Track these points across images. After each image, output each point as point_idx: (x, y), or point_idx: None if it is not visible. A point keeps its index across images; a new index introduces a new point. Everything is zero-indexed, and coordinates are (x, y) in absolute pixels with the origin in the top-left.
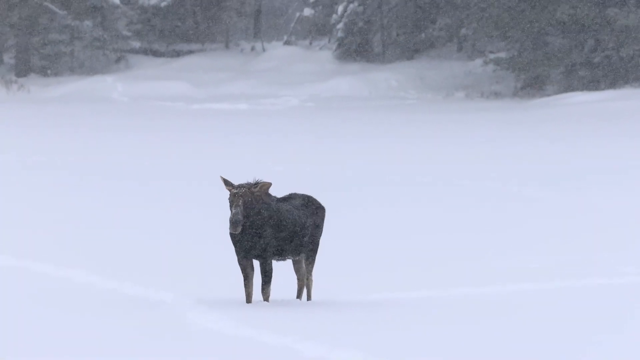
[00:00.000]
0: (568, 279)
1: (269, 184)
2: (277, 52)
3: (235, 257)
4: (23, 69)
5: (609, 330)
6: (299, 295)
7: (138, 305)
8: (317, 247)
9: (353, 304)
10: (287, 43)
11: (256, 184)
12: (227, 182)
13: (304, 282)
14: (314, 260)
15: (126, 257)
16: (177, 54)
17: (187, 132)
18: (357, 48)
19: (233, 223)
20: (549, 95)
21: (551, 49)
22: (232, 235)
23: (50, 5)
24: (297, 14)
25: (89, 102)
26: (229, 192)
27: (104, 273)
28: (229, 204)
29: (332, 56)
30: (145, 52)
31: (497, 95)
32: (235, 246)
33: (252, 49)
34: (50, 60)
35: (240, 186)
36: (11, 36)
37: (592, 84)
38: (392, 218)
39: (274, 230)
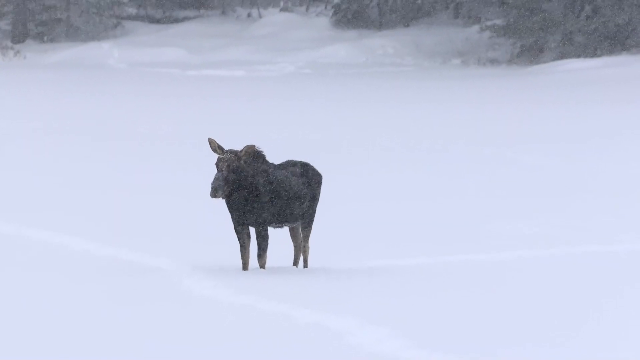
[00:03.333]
0: (564, 245)
1: (252, 146)
2: (274, 18)
3: (231, 224)
4: (19, 35)
5: (606, 297)
6: (295, 263)
7: (135, 272)
8: (314, 214)
9: (350, 271)
10: (283, 9)
11: (241, 149)
12: (213, 145)
13: (300, 249)
14: (310, 227)
15: (123, 223)
16: (174, 20)
17: (183, 99)
18: (354, 15)
19: (213, 188)
20: (545, 62)
21: (548, 15)
22: (228, 202)
23: None
24: None
25: (85, 68)
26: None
27: (100, 239)
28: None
29: (329, 23)
30: (141, 18)
31: (493, 62)
32: (231, 213)
33: (249, 15)
34: (47, 27)
35: (227, 151)
36: (7, 2)
37: (589, 51)
38: (389, 184)
39: (270, 198)
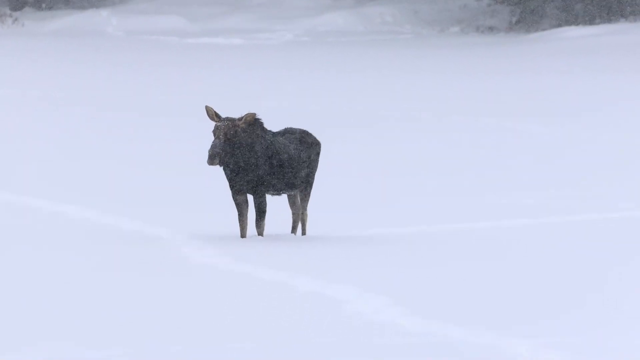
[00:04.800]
0: (564, 214)
1: (253, 114)
2: None
3: (229, 192)
4: (17, 3)
5: (607, 264)
6: (293, 230)
7: (134, 240)
8: (313, 182)
9: (348, 239)
10: None
11: (241, 117)
12: (210, 112)
13: (299, 216)
14: (309, 195)
15: (122, 192)
16: None
17: (181, 67)
18: None
19: (210, 155)
20: (544, 29)
21: None
22: (226, 170)
23: None
24: None
25: (83, 36)
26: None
27: (99, 208)
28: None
29: None
30: None
31: (492, 29)
32: (229, 181)
33: None
34: None
35: (224, 119)
36: None
37: (588, 18)
38: (387, 153)
39: (268, 165)
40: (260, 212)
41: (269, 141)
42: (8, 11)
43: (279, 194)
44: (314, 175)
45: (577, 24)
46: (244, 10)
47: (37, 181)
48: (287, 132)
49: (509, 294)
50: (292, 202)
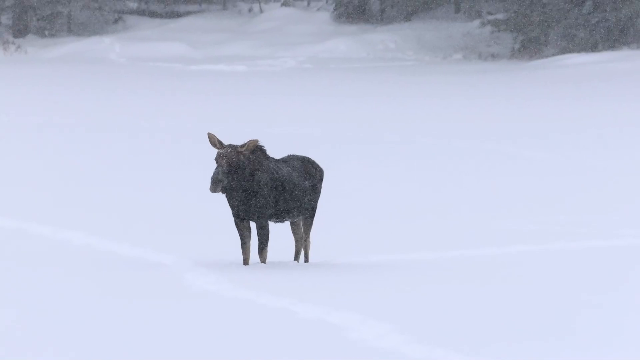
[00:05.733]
0: (566, 241)
1: (255, 141)
2: (275, 13)
3: (232, 219)
4: (21, 30)
5: (606, 292)
6: (296, 257)
7: (136, 267)
8: (315, 209)
9: (351, 266)
10: (284, 4)
11: (243, 144)
12: (213, 140)
13: (301, 244)
14: (312, 222)
15: (125, 218)
16: (175, 14)
17: (184, 94)
18: (355, 9)
19: (213, 182)
20: (546, 56)
21: (549, 9)
22: (229, 197)
23: None
24: None
25: (86, 63)
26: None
27: (102, 234)
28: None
29: (330, 17)
30: (142, 13)
31: (494, 56)
32: (232, 208)
33: (250, 10)
34: (48, 21)
35: (227, 146)
36: None
37: (590, 45)
38: (390, 179)
39: (271, 192)
40: (263, 239)
41: (271, 168)
42: (11, 38)
43: (282, 221)
44: (316, 202)
45: (579, 51)
46: (246, 37)
47: (40, 207)
48: (290, 159)
49: (513, 321)
50: (294, 229)
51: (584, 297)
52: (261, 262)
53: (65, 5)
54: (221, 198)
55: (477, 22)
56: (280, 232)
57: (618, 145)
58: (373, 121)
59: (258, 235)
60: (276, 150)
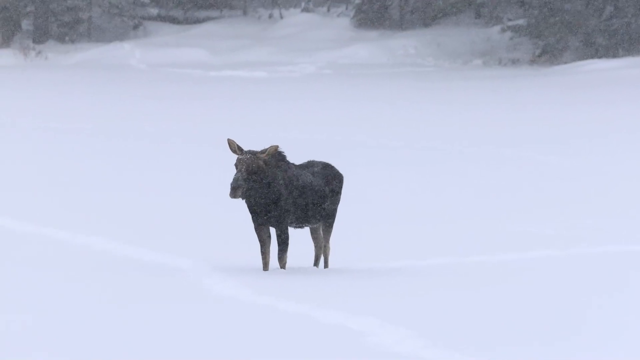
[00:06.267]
0: (583, 246)
1: (275, 147)
2: (295, 19)
3: (252, 225)
4: (41, 36)
5: (619, 297)
6: (316, 263)
7: (155, 272)
8: (335, 215)
9: (370, 272)
10: (304, 10)
11: (263, 150)
12: (233, 146)
13: (321, 249)
14: (331, 227)
15: (144, 222)
16: (195, 20)
17: (204, 100)
18: (375, 15)
19: (232, 188)
20: (566, 62)
21: (569, 15)
22: (248, 203)
23: None
24: None
25: (106, 69)
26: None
27: (122, 239)
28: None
29: (350, 23)
30: (162, 19)
31: (514, 62)
32: (251, 214)
33: (270, 16)
34: (68, 27)
35: (247, 152)
36: (29, 2)
37: (611, 51)
38: (410, 185)
39: (291, 198)
40: (283, 245)
41: (291, 174)
42: (32, 44)
43: (301, 227)
44: (336, 208)
45: (600, 57)
46: (266, 43)
47: (59, 212)
48: (310, 164)
49: (529, 326)
50: (314, 235)
51: (598, 301)
52: (281, 267)
53: (85, 11)
54: (241, 204)
55: (497, 28)
56: (300, 238)
57: (637, 150)
58: (393, 127)
59: (278, 241)
60: (296, 156)
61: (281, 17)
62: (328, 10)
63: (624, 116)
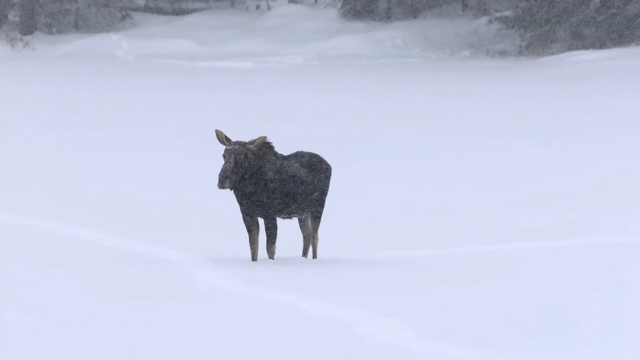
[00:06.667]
0: (574, 237)
1: (263, 138)
2: (283, 10)
3: (240, 215)
4: (28, 27)
5: (615, 290)
6: (304, 254)
7: (144, 263)
8: (323, 206)
9: (359, 263)
10: (292, 1)
11: (252, 141)
12: (220, 136)
13: (309, 240)
14: (320, 218)
15: (133, 214)
16: (182, 11)
17: (192, 91)
18: (362, 6)
19: (220, 179)
20: (554, 53)
21: (557, 7)
22: (236, 193)
23: None
24: None
25: (94, 60)
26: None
27: (111, 230)
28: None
29: (337, 14)
30: (150, 10)
31: (502, 54)
32: (240, 204)
33: (257, 7)
34: (56, 18)
35: (234, 143)
36: None
37: (598, 43)
38: (398, 176)
39: (279, 189)
40: (271, 236)
41: (279, 165)
42: (19, 35)
43: (289, 218)
44: (324, 198)
45: (587, 48)
46: (254, 34)
47: (48, 204)
48: (298, 155)
49: (521, 318)
50: (303, 226)
51: (594, 294)
52: (269, 258)
53: (72, 2)
54: (229, 194)
55: (484, 19)
56: (289, 228)
57: (627, 142)
58: (381, 118)
59: (266, 232)
60: (284, 147)
61: (269, 8)
62: (315, 1)
63: (612, 108)
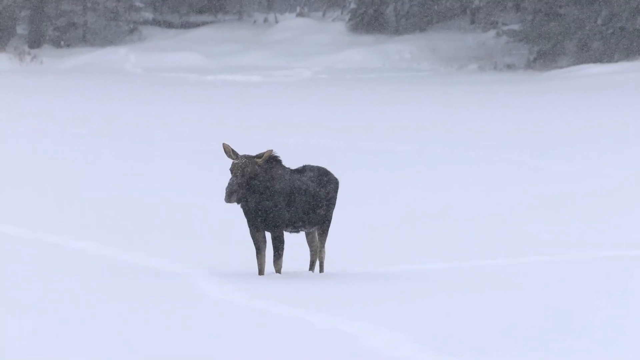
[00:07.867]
0: (582, 250)
1: (271, 151)
2: (290, 23)
3: (247, 229)
4: (36, 40)
5: (614, 301)
6: (311, 268)
7: (150, 276)
8: (331, 220)
9: (365, 276)
10: (300, 14)
11: (259, 154)
12: (228, 150)
13: (316, 254)
14: (327, 232)
15: (140, 226)
16: (190, 25)
17: (199, 104)
18: (370, 19)
19: (227, 193)
20: (562, 67)
21: (565, 20)
22: (244, 207)
23: None
24: None
25: (102, 73)
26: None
27: (117, 244)
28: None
29: (345, 28)
30: (158, 23)
31: (510, 67)
32: (247, 218)
33: (265, 20)
34: (64, 32)
35: (242, 156)
36: (24, 7)
37: (606, 56)
38: (405, 189)
39: (286, 202)
40: (279, 250)
41: (286, 179)
42: (27, 49)
43: (297, 231)
44: (331, 212)
45: (595, 62)
46: (262, 48)
47: (54, 216)
48: (305, 169)
49: (525, 329)
50: (309, 240)
51: (595, 305)
52: (276, 272)
53: (80, 15)
54: (236, 208)
55: (492, 33)
56: (296, 242)
57: (634, 155)
58: (388, 131)
59: (273, 246)
60: (291, 161)
61: (276, 22)
62: (323, 14)
63: (620, 120)
